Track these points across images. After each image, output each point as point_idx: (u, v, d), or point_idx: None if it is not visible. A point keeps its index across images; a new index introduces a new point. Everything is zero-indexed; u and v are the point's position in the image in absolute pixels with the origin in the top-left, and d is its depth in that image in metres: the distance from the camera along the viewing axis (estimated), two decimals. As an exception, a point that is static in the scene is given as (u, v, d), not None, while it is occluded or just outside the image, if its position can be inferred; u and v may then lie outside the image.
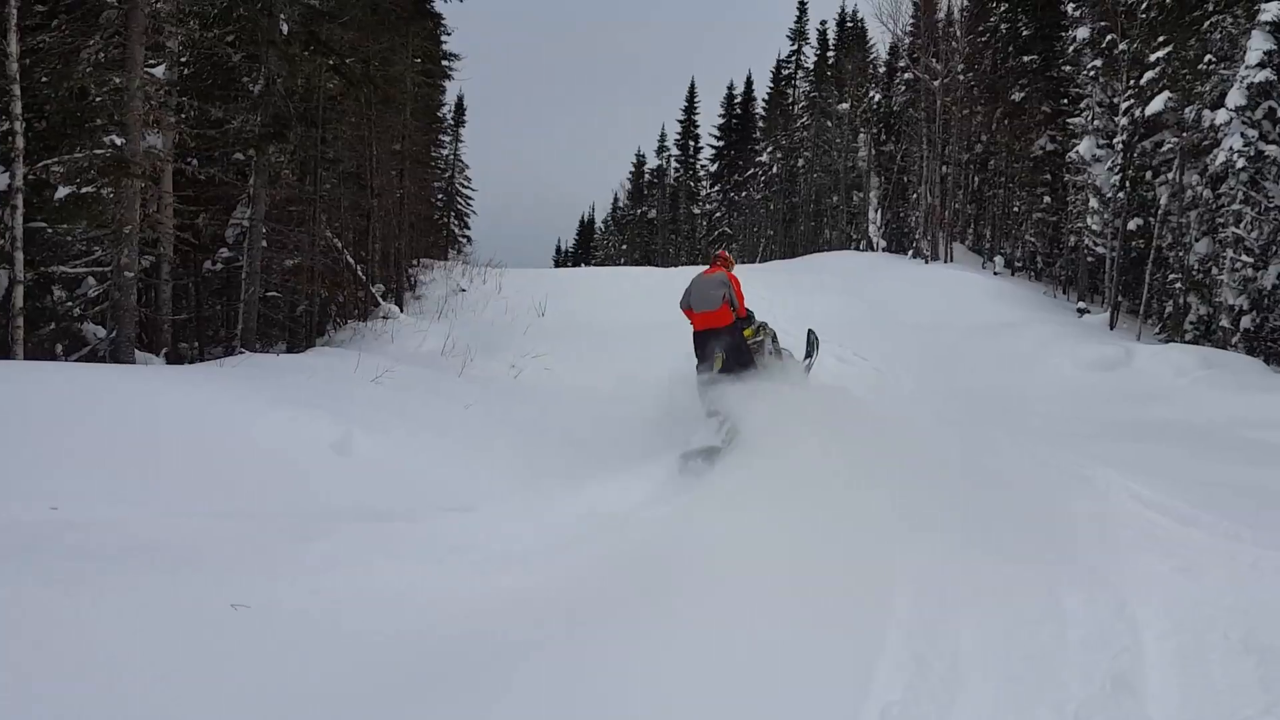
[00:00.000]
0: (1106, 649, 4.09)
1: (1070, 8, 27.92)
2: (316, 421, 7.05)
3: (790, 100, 52.64)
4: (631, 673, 3.87)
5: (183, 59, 12.82)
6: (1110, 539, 5.74)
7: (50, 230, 10.29)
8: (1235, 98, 18.35)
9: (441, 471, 7.10)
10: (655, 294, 21.31)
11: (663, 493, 6.99)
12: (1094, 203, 24.19)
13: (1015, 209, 32.80)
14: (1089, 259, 26.28)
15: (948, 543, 5.41)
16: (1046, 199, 30.27)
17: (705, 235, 58.58)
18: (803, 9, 52.74)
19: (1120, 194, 23.10)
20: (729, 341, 8.93)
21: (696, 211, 61.41)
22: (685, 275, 23.79)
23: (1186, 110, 20.36)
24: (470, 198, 43.06)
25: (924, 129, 33.76)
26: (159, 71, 11.37)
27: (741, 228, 54.21)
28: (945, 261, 31.96)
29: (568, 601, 4.64)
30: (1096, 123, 24.56)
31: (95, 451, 5.50)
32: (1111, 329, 22.32)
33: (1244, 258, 18.46)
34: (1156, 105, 21.09)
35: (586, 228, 78.39)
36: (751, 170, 53.83)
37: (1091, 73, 25.04)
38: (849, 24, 50.48)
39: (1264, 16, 18.26)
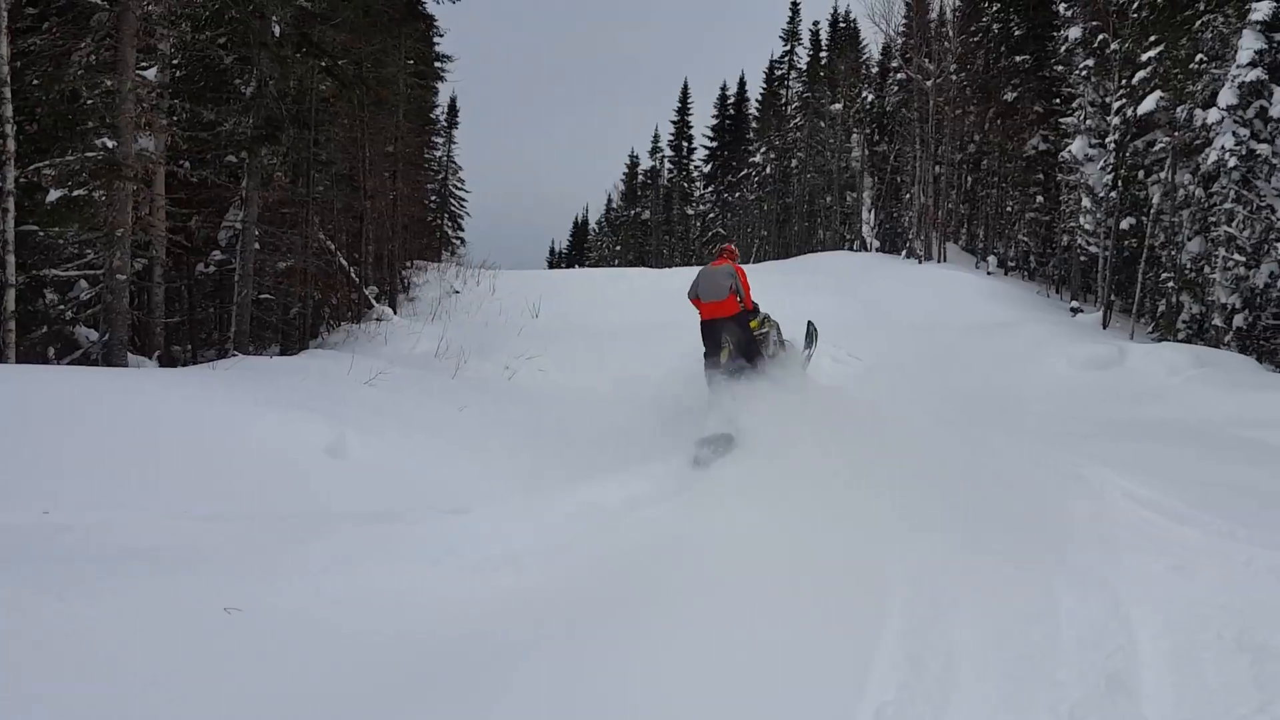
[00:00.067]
0: (1101, 648, 4.09)
1: (1062, 8, 28.02)
2: (311, 424, 7.03)
3: (783, 101, 52.68)
4: (631, 672, 3.88)
5: (174, 61, 12.79)
6: (1105, 538, 5.75)
7: (42, 233, 10.27)
8: (1227, 97, 18.40)
9: (436, 473, 7.09)
10: (649, 295, 21.35)
11: (661, 492, 6.99)
12: (1087, 202, 24.25)
13: (1008, 209, 32.86)
14: (1082, 258, 26.34)
15: (943, 542, 5.42)
16: (1039, 198, 30.34)
17: (699, 236, 58.59)
18: (795, 9, 52.86)
19: (1113, 193, 23.16)
20: (735, 330, 9.18)
21: (690, 212, 61.42)
22: (680, 276, 23.88)
23: (1178, 109, 20.42)
24: (464, 199, 43.10)
25: (917, 129, 33.81)
26: (151, 74, 11.34)
27: (735, 228, 54.20)
28: (939, 261, 32.02)
29: (567, 602, 4.64)
30: (1089, 122, 24.63)
31: (92, 455, 5.49)
32: (1105, 328, 22.38)
33: (1236, 256, 18.51)
34: (1148, 105, 21.14)
35: (580, 229, 78.41)
36: (745, 171, 53.87)
37: (1083, 72, 25.10)
38: (842, 24, 50.55)
39: (1255, 15, 18.31)
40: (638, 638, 4.17)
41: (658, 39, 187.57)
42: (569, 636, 4.23)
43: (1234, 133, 18.35)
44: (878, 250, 38.00)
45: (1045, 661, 4.02)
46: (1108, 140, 23.36)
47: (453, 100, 41.14)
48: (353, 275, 18.64)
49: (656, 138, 65.26)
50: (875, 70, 44.29)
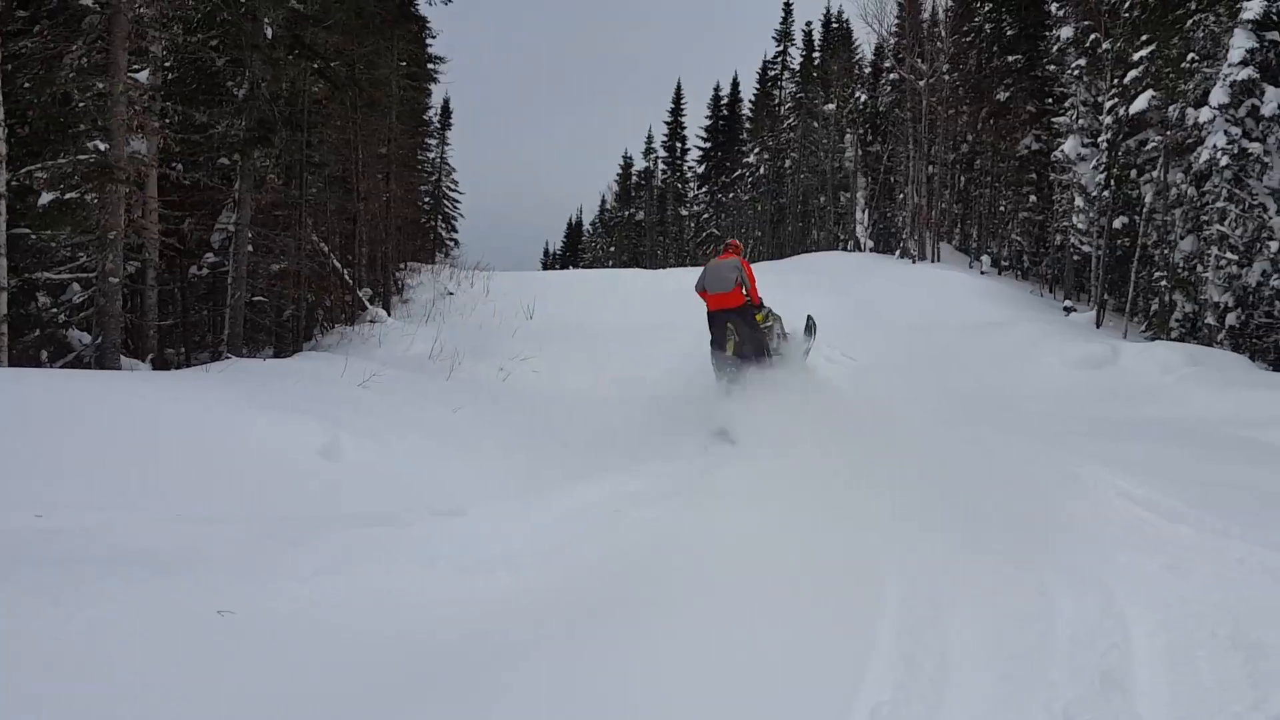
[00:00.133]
0: (1095, 647, 4.10)
1: (1054, 7, 28.07)
2: (305, 426, 7.01)
3: (777, 101, 52.77)
4: (631, 672, 3.88)
5: (166, 64, 12.75)
6: (1100, 537, 5.77)
7: (34, 236, 10.24)
8: (1218, 96, 18.47)
9: (432, 474, 7.08)
10: (644, 296, 21.38)
11: (659, 492, 6.99)
12: (1079, 201, 24.31)
13: (1001, 208, 32.94)
14: (1075, 257, 26.41)
15: (941, 542, 5.43)
16: (1032, 198, 30.41)
17: (693, 237, 58.64)
18: (788, 10, 52.90)
19: (1105, 192, 23.22)
20: (740, 320, 9.46)
21: (684, 213, 61.47)
22: (674, 277, 23.94)
23: (1170, 109, 20.48)
24: (457, 201, 43.09)
25: (910, 129, 33.88)
26: (142, 76, 11.30)
27: (729, 229, 54.23)
28: (932, 261, 32.08)
29: (566, 602, 4.65)
30: (1081, 122, 24.69)
31: (92, 456, 5.48)
32: (1098, 327, 22.44)
33: (1229, 255, 18.57)
34: (1140, 104, 21.21)
35: (574, 230, 78.40)
36: (739, 171, 53.93)
37: (1075, 72, 25.17)
38: (834, 25, 50.63)
39: (1246, 14, 18.39)
40: (637, 638, 4.17)
41: (657, 39, 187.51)
42: (568, 636, 4.23)
43: (1226, 131, 18.42)
44: (871, 250, 38.09)
45: (1040, 660, 4.03)
46: (1100, 139, 23.43)
47: (446, 102, 41.26)
48: (346, 277, 18.62)
49: (650, 138, 65.38)
50: (868, 70, 44.38)
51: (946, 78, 33.90)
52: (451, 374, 12.85)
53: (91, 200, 10.38)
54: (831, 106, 43.83)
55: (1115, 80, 22.94)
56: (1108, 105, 23.16)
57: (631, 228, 65.78)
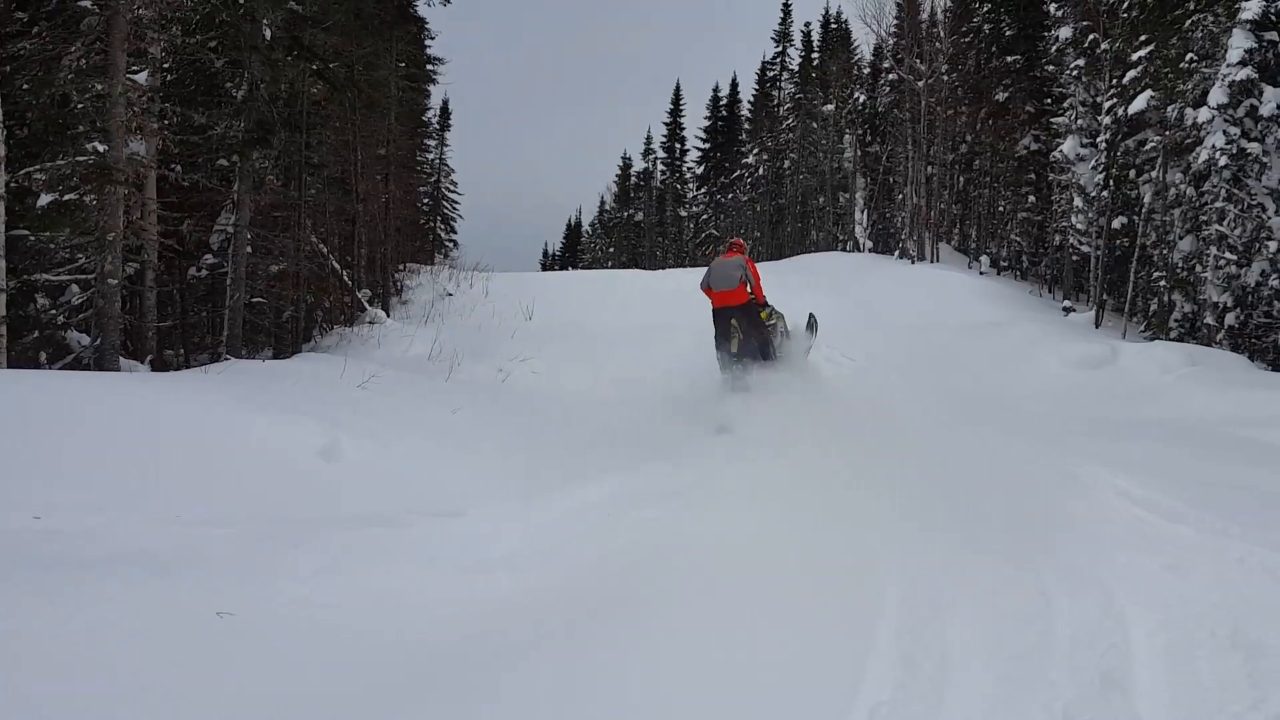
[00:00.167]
0: (1095, 646, 4.10)
1: (1052, 8, 28.09)
2: (304, 427, 7.01)
3: (775, 102, 52.76)
4: (631, 672, 3.89)
5: (165, 65, 12.75)
6: (1099, 537, 5.77)
7: (33, 238, 10.23)
8: (1217, 96, 18.49)
9: (431, 475, 7.08)
10: (643, 297, 21.37)
11: (658, 492, 6.99)
12: (1078, 201, 24.32)
13: (1000, 208, 32.95)
14: (1074, 258, 26.42)
15: (941, 542, 5.43)
16: (1031, 198, 30.42)
17: (693, 238, 58.65)
18: (787, 10, 52.91)
19: (1104, 193, 23.23)
20: (744, 317, 9.65)
21: (683, 214, 61.47)
22: (673, 278, 23.96)
23: (1169, 109, 20.50)
24: (456, 202, 43.08)
25: (909, 130, 33.89)
26: (141, 78, 11.30)
27: (728, 230, 54.23)
28: (931, 261, 32.08)
29: (565, 602, 4.65)
30: (1080, 122, 24.70)
31: (92, 457, 5.48)
32: (1097, 327, 22.44)
33: (1227, 255, 18.58)
34: (1139, 104, 21.22)
35: (573, 231, 78.40)
36: (738, 172, 53.94)
37: (1074, 72, 25.18)
38: (833, 25, 50.64)
39: (1244, 15, 18.41)
40: (637, 638, 4.17)
41: (657, 39, 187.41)
42: (568, 637, 4.23)
43: (1225, 131, 18.43)
44: (871, 250, 38.10)
45: (1040, 660, 4.03)
46: (1099, 140, 23.44)
47: (445, 103, 41.25)
48: (345, 278, 18.61)
49: (649, 139, 65.36)
50: (867, 71, 44.38)
51: (945, 78, 33.91)
52: (451, 375, 12.85)
53: (90, 202, 10.38)
54: (830, 107, 43.83)
55: (1114, 80, 22.95)
56: (1106, 105, 23.18)
57: (631, 228, 65.78)
